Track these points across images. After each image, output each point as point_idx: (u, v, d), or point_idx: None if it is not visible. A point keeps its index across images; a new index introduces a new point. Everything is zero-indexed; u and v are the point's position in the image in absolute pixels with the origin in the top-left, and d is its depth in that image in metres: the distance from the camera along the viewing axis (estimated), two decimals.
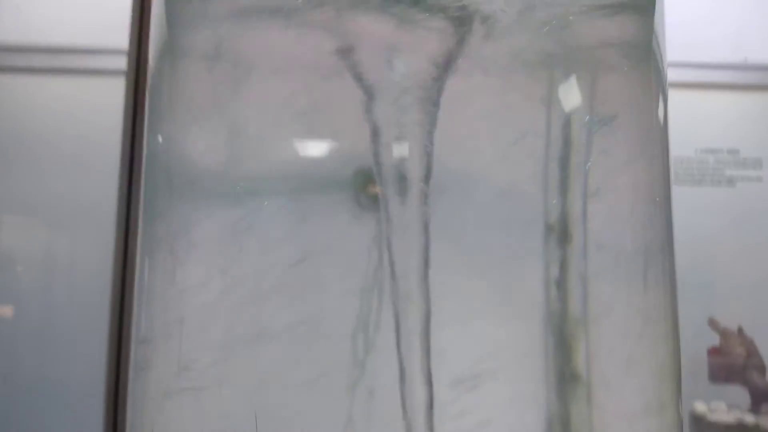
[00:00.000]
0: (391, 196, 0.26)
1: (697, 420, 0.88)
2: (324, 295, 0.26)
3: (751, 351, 0.89)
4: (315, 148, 0.28)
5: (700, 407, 0.90)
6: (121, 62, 0.54)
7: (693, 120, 1.08)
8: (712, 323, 0.94)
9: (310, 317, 0.25)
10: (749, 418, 0.86)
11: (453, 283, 0.26)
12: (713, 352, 0.93)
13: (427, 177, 0.27)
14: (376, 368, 0.25)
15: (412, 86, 0.27)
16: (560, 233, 0.27)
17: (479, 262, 0.26)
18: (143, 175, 0.33)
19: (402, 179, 0.26)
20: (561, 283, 0.26)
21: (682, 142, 1.11)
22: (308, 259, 0.26)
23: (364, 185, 0.27)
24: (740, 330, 0.93)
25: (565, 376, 0.26)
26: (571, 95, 0.29)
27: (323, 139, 0.28)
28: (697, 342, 0.97)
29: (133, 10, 0.51)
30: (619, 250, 0.28)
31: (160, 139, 0.31)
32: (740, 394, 0.91)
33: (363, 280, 0.25)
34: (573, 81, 0.29)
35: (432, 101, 0.27)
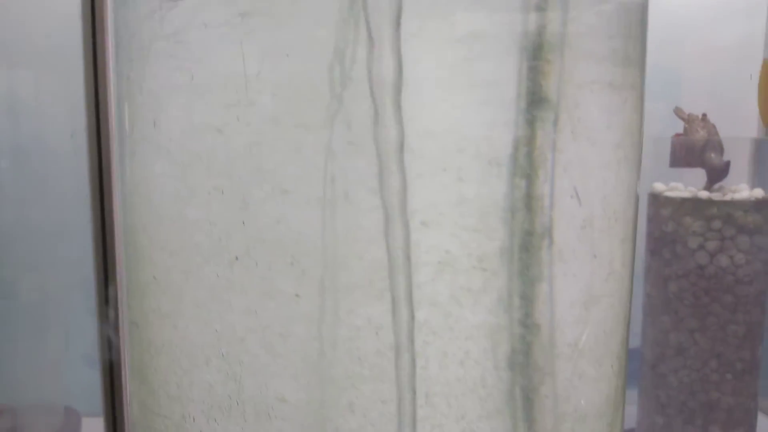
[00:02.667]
0: None
1: (655, 197, 0.95)
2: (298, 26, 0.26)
3: (712, 133, 0.94)
4: None
5: (659, 186, 0.96)
6: None
7: None
8: (678, 111, 0.98)
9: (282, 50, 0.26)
10: (703, 194, 0.92)
11: (431, 14, 0.26)
12: (677, 136, 0.97)
13: None
14: (353, 102, 0.26)
15: None
16: None
17: None
18: None
19: None
20: (541, 6, 0.27)
21: None
22: None
23: None
24: (704, 116, 0.97)
25: (535, 100, 0.27)
26: None
27: None
28: (662, 133, 1.01)
29: None
30: None
31: None
32: (697, 178, 0.97)
33: (338, 13, 0.26)
34: None
35: None
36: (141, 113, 0.30)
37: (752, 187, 0.93)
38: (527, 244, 0.28)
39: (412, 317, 0.27)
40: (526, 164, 0.28)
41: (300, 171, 0.26)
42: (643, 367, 0.99)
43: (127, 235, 0.32)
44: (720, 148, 0.93)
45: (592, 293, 0.30)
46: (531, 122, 0.28)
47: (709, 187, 0.94)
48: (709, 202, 0.90)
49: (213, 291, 0.28)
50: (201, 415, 0.29)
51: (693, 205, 0.90)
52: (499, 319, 0.28)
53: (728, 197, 0.91)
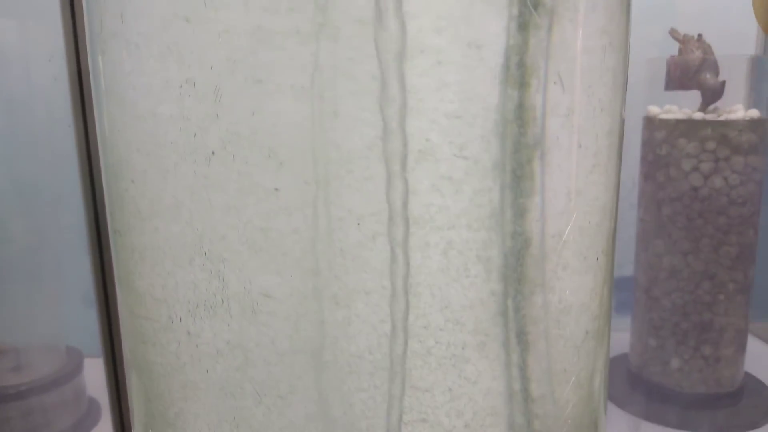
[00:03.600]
0: None
1: (649, 120, 0.94)
2: None
3: (708, 53, 0.92)
4: None
5: (654, 110, 0.95)
6: None
7: None
8: (673, 32, 0.96)
9: None
10: (698, 115, 0.91)
11: None
12: (672, 58, 0.95)
13: None
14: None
15: None
16: None
17: None
18: None
19: None
20: None
21: None
22: None
23: None
24: (700, 36, 0.95)
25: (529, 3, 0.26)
26: None
27: None
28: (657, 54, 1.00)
29: None
30: None
31: None
32: (692, 101, 0.96)
33: None
34: None
35: None
36: (109, 9, 0.29)
37: (748, 107, 0.92)
38: (519, 156, 0.28)
39: (393, 208, 0.27)
40: (518, 74, 0.27)
41: (272, 58, 0.26)
42: (636, 292, 1.01)
43: (104, 141, 0.32)
44: (715, 68, 0.92)
45: (576, 184, 0.30)
46: (524, 29, 0.27)
47: (704, 108, 0.93)
48: (704, 123, 0.89)
49: (191, 189, 0.28)
50: (187, 315, 0.30)
51: (687, 126, 0.89)
52: (490, 233, 0.28)
53: (723, 118, 0.90)
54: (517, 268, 0.29)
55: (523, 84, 0.27)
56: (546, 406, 0.31)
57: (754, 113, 0.90)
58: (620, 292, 1.10)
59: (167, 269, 0.30)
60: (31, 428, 0.86)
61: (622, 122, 0.34)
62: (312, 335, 0.28)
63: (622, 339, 1.08)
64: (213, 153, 0.27)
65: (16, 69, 1.01)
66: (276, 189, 0.27)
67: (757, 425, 0.93)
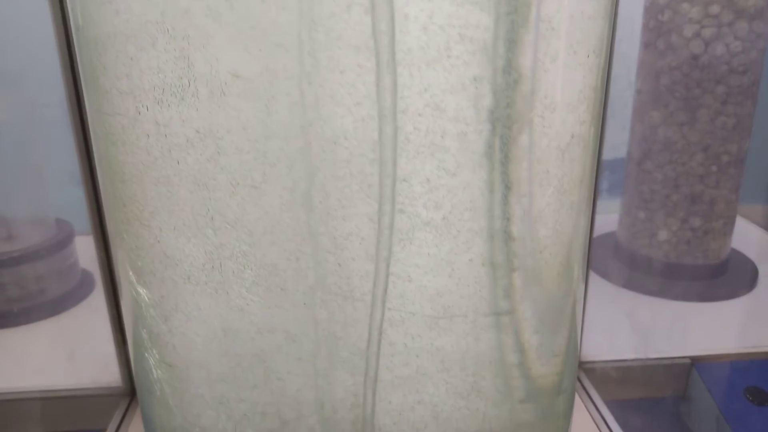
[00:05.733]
0: None
1: None
2: None
3: None
4: None
5: None
6: None
7: None
8: None
9: None
10: None
11: None
12: None
13: None
14: None
15: None
16: None
17: None
18: None
19: None
20: None
21: None
22: None
23: None
24: None
25: None
26: None
27: None
28: None
29: None
30: None
31: None
32: None
33: None
34: None
35: None
36: None
37: None
38: None
39: None
40: None
41: None
42: (628, 166, 1.00)
43: None
44: None
45: None
46: None
47: None
48: None
49: None
50: (154, 104, 0.28)
51: None
52: (475, 9, 0.26)
53: None
54: (504, 54, 0.27)
55: None
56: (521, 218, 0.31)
57: None
58: (612, 174, 1.09)
59: (130, 55, 0.28)
60: (26, 295, 0.87)
61: None
62: (284, 119, 0.27)
63: (610, 219, 1.09)
64: None
65: None
66: None
67: (736, 295, 0.95)
